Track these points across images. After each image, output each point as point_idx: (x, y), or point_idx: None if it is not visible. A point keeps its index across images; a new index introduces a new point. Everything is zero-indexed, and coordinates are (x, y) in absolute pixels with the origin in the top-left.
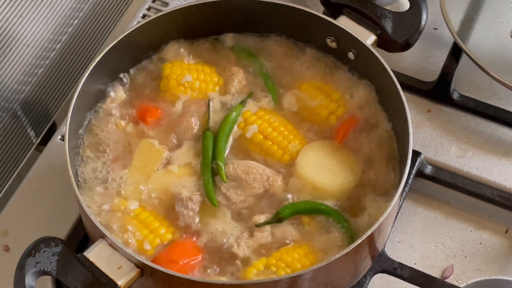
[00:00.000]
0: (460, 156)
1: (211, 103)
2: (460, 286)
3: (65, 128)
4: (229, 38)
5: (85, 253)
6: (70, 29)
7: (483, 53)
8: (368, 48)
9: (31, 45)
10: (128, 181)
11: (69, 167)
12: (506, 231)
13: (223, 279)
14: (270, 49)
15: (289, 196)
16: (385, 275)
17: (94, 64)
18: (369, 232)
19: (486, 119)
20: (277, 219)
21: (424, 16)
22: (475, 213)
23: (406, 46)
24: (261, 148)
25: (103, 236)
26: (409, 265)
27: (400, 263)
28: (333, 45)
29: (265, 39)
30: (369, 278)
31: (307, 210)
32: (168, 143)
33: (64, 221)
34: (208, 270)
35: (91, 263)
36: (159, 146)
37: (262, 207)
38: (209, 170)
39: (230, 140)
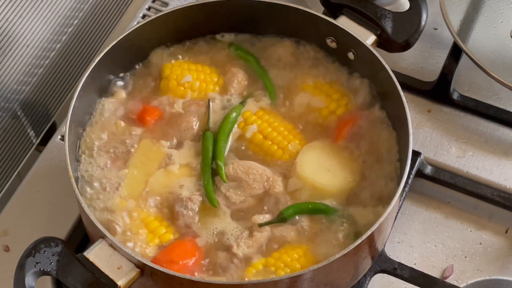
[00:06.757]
0: (460, 156)
1: (211, 103)
2: (460, 286)
3: (65, 128)
4: (229, 38)
5: (85, 253)
6: (70, 29)
7: (483, 53)
8: (368, 48)
9: (31, 45)
10: (128, 181)
11: (69, 167)
12: (506, 231)
13: (223, 279)
14: (270, 49)
15: (289, 196)
16: (385, 275)
17: (94, 64)
18: (369, 232)
19: (486, 119)
20: (280, 219)
21: (424, 16)
22: (475, 213)
23: (406, 46)
24: (261, 148)
25: (103, 236)
26: (409, 265)
27: (400, 263)
28: (333, 45)
29: (265, 39)
30: (369, 278)
31: (310, 210)
32: (168, 143)
33: (64, 221)
34: (208, 270)
35: (91, 263)
36: (159, 146)
37: (262, 208)
38: (209, 170)
39: (230, 140)
